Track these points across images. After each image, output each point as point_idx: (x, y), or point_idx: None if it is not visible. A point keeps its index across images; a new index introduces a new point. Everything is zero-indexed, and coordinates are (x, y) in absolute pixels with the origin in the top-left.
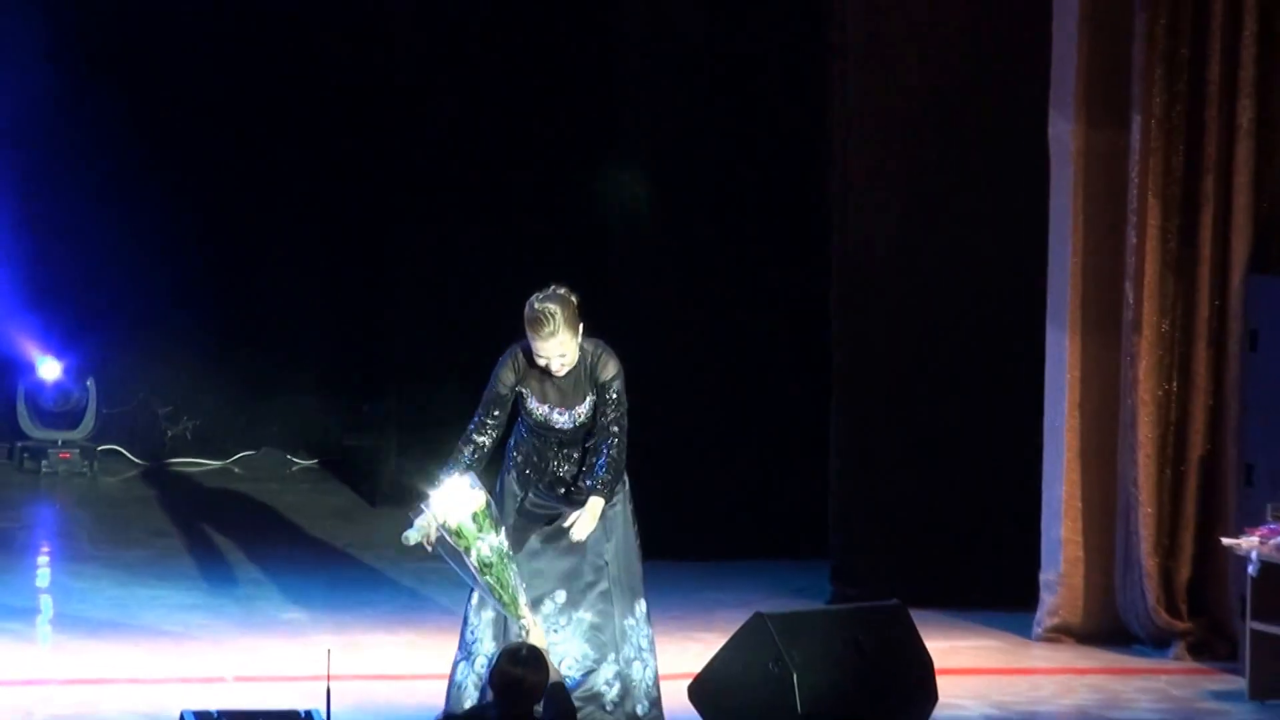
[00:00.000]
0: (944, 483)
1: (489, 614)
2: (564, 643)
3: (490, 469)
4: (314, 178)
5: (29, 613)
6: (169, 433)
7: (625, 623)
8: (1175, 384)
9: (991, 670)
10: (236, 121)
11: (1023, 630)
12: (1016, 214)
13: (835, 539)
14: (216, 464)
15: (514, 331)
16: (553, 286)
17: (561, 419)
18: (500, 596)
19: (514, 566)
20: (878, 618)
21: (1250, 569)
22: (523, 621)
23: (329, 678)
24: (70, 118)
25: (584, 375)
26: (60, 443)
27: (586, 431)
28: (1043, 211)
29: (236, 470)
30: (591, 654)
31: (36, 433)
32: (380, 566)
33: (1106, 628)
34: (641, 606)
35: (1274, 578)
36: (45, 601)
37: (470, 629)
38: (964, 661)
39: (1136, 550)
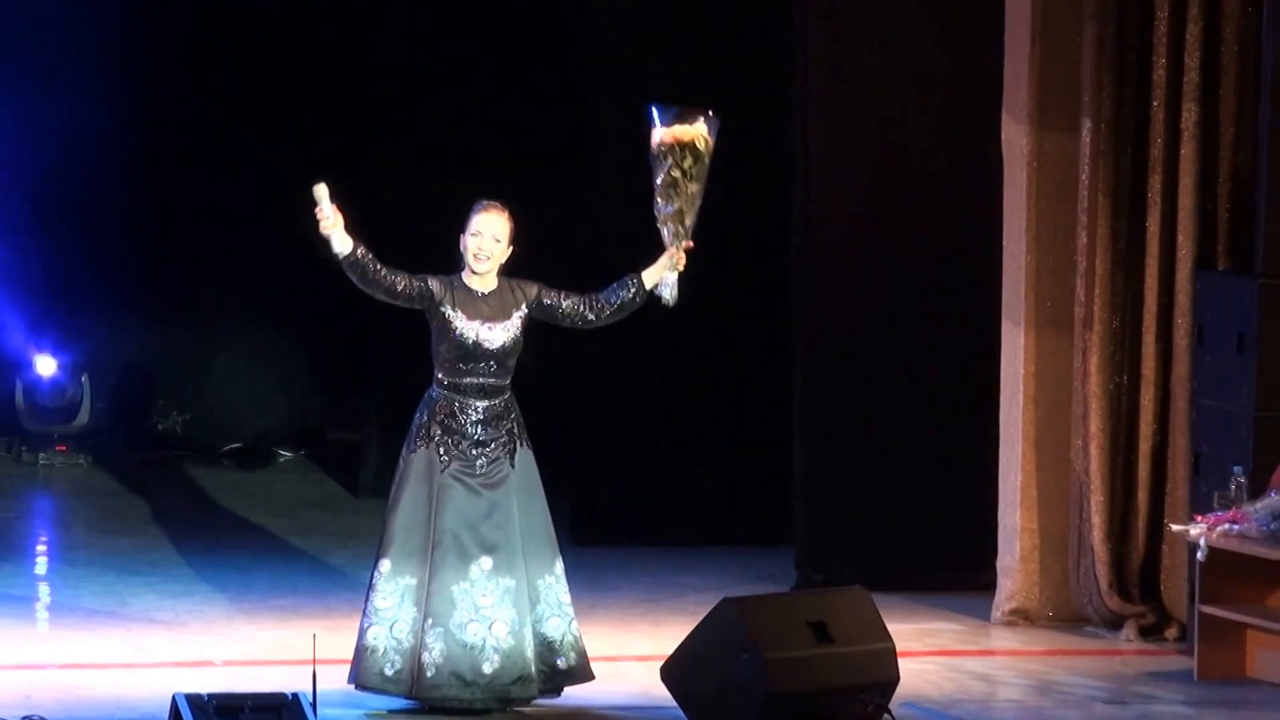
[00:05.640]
0: (904, 472)
1: (407, 580)
2: (493, 608)
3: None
4: (298, 176)
5: (27, 599)
6: (160, 426)
7: (541, 583)
8: (1125, 377)
9: (951, 652)
10: (225, 120)
11: (981, 614)
12: (972, 213)
13: (800, 527)
14: (206, 456)
15: None
16: None
17: (491, 334)
18: (681, 215)
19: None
20: (841, 602)
21: (1198, 554)
22: (680, 245)
23: (314, 661)
24: (68, 121)
25: (510, 295)
26: (56, 436)
27: (509, 370)
28: (998, 212)
29: (225, 462)
30: (516, 618)
31: (34, 426)
32: (363, 555)
33: (1061, 611)
34: (559, 564)
35: (1221, 563)
36: (42, 589)
37: (381, 595)
38: (924, 644)
39: (1089, 537)
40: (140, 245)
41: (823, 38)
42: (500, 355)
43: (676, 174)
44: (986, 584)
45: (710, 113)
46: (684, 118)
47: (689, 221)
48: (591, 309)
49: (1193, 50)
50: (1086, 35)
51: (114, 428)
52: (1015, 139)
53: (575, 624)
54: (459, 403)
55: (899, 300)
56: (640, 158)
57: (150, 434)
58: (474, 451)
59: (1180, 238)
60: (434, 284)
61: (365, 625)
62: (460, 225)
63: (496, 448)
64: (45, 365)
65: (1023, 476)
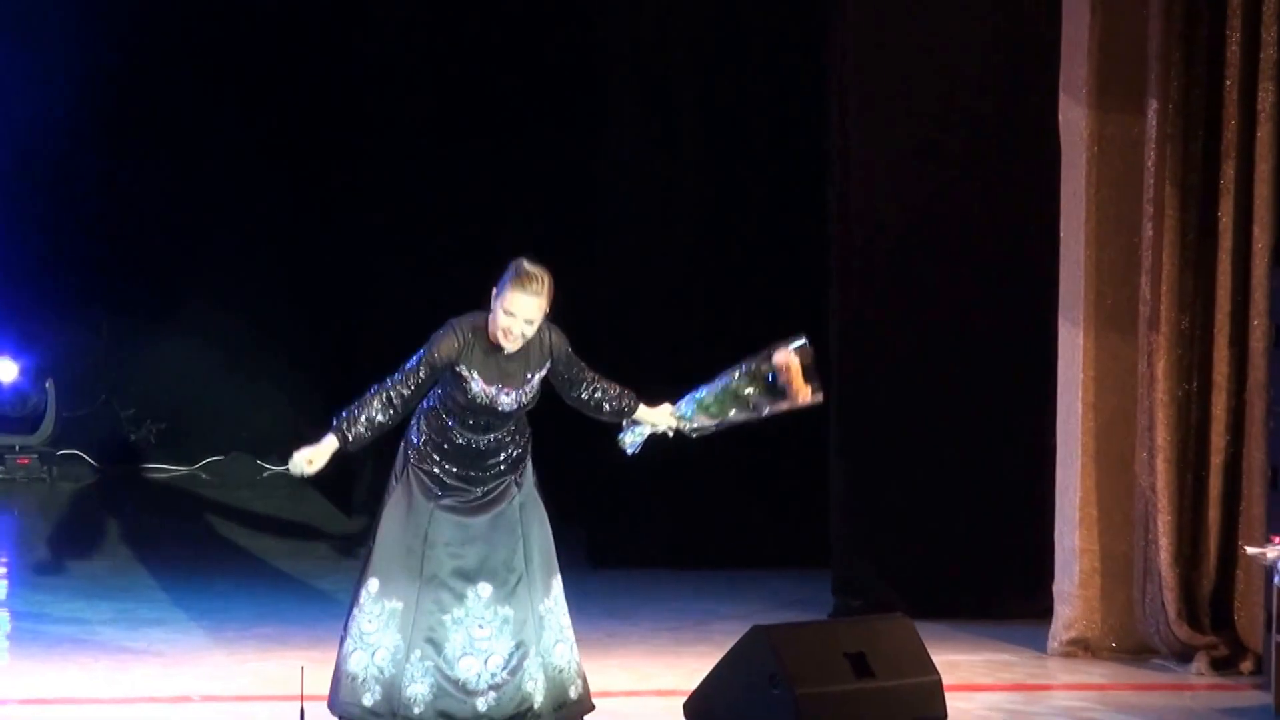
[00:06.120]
0: (951, 488)
1: (393, 604)
2: (489, 639)
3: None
4: (286, 168)
5: None
6: (132, 436)
7: (541, 607)
8: (1195, 384)
9: (1004, 686)
10: (202, 112)
11: (1037, 644)
12: (1026, 204)
13: (837, 548)
14: (183, 469)
15: None
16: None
17: (507, 399)
18: (708, 416)
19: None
20: (882, 631)
21: (1276, 579)
22: (681, 427)
23: (303, 698)
24: (30, 110)
25: (534, 352)
26: (18, 448)
27: (517, 417)
28: (1054, 202)
29: (204, 476)
30: (516, 651)
31: None
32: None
33: (1125, 641)
34: (557, 584)
35: None
36: (1, 616)
37: (367, 617)
38: (974, 677)
39: (1156, 560)
40: (110, 238)
41: (860, 15)
42: (513, 413)
43: (748, 393)
44: (1042, 611)
45: (818, 398)
46: (809, 365)
47: (704, 423)
48: (585, 401)
49: (1270, 24)
50: (1153, 7)
51: (81, 438)
52: (1074, 121)
53: (575, 648)
54: (460, 432)
55: (944, 299)
56: (657, 155)
57: (121, 445)
58: (476, 473)
59: (1256, 229)
60: (443, 352)
61: (349, 649)
62: (494, 280)
63: (501, 466)
64: (5, 370)
65: (1082, 493)
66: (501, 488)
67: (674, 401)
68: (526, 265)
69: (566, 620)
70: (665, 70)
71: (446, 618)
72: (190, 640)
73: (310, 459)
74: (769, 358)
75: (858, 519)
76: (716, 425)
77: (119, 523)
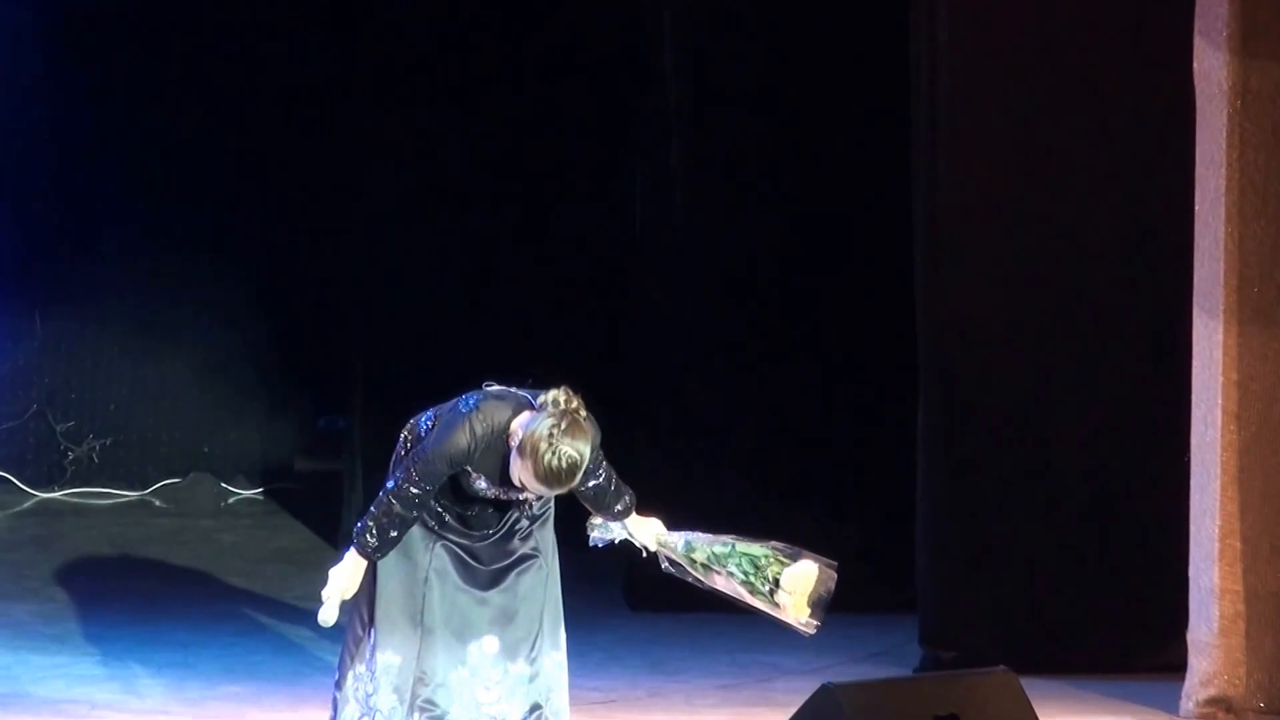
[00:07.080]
0: (1063, 517)
1: (388, 658)
2: (499, 703)
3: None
4: (257, 153)
5: None
6: (70, 455)
7: (550, 660)
8: None
9: None
10: (163, 92)
11: (1168, 704)
12: (1152, 172)
13: (925, 589)
14: (132, 494)
15: (501, 333)
16: (568, 399)
17: (507, 495)
18: (684, 568)
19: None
20: (979, 688)
21: None
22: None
23: None
24: None
25: None
26: None
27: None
28: (1187, 169)
29: (158, 503)
30: (530, 715)
31: None
32: (342, 623)
33: (1275, 700)
34: (562, 632)
35: None
36: None
37: (369, 675)
38: None
39: None
40: (48, 222)
41: None
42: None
43: (740, 576)
44: (1174, 664)
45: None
46: (824, 596)
47: (681, 567)
48: (578, 487)
49: None
50: None
51: (8, 457)
52: (1211, 71)
53: (566, 699)
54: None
55: (1053, 290)
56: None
57: (57, 465)
58: (477, 513)
59: None
60: (455, 454)
61: (354, 714)
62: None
63: (512, 513)
64: None
65: (1222, 520)
66: (512, 523)
67: (667, 520)
68: (563, 453)
69: (564, 674)
70: (718, 29)
71: (452, 677)
72: (142, 700)
73: (344, 592)
74: (792, 558)
75: (950, 554)
76: (690, 578)
77: (54, 560)
